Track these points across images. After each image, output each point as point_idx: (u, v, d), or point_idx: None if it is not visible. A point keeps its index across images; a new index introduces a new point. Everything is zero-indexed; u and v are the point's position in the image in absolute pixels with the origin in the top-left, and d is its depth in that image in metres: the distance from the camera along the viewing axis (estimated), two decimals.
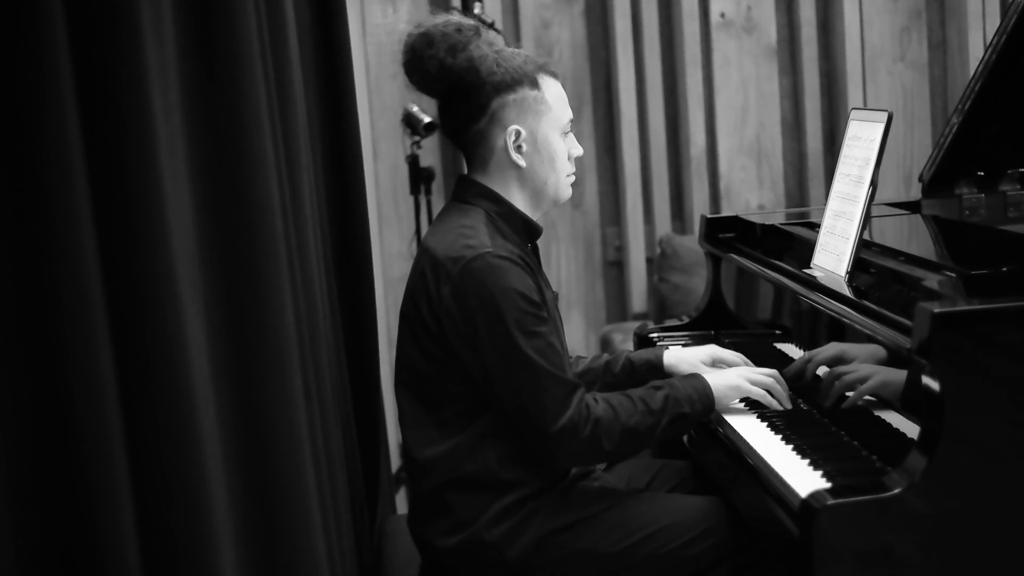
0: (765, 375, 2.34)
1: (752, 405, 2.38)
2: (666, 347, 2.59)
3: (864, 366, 2.15)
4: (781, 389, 2.33)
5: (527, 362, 2.09)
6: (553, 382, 2.10)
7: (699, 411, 2.24)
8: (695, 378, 2.29)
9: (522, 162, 2.23)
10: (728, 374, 2.34)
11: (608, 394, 2.20)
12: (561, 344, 2.20)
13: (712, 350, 2.51)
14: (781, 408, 2.31)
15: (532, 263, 2.20)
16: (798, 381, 2.38)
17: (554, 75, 2.27)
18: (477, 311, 2.10)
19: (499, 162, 2.24)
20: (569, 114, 2.28)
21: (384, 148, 4.44)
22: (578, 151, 2.30)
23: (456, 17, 2.24)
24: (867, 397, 2.14)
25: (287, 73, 1.80)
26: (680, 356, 2.50)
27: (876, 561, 1.88)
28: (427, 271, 2.17)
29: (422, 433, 2.22)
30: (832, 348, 2.30)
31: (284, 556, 1.44)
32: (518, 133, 2.21)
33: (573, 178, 2.31)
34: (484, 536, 2.16)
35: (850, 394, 2.17)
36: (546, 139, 2.24)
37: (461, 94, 2.21)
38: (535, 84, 2.22)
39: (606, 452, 2.16)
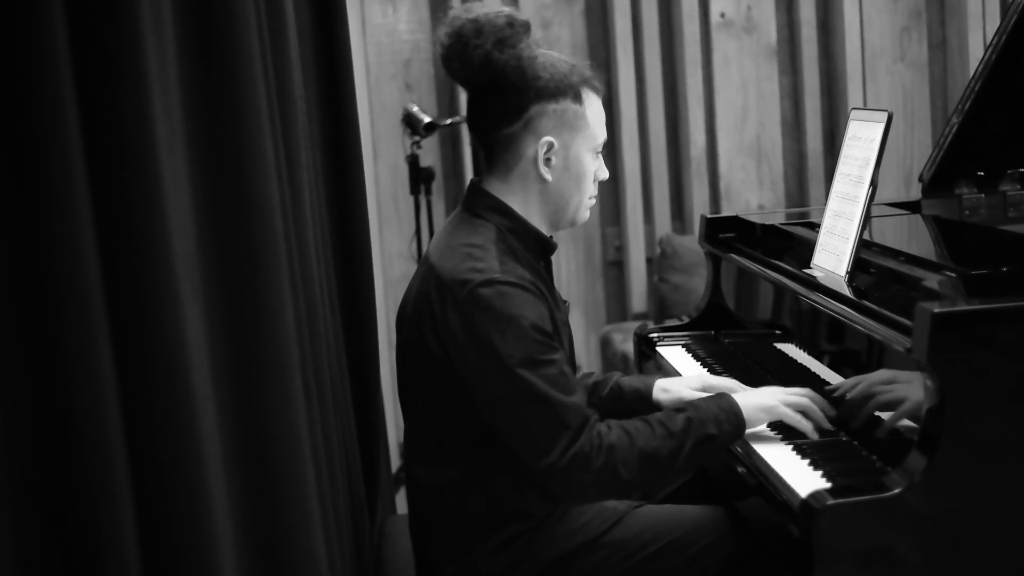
0: (801, 395, 2.21)
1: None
2: (657, 377, 2.50)
3: (899, 387, 2.06)
4: (819, 411, 2.19)
5: (535, 394, 1.99)
6: (563, 411, 1.99)
7: (728, 432, 2.10)
8: (722, 398, 2.15)
9: (549, 176, 2.12)
10: (761, 394, 2.21)
11: (624, 420, 2.08)
12: (572, 365, 2.11)
13: (703, 377, 2.42)
14: (816, 436, 2.16)
15: (542, 285, 2.09)
16: (839, 405, 2.25)
17: (598, 91, 2.16)
18: (484, 340, 2.00)
19: (523, 172, 2.13)
20: (604, 135, 2.17)
21: (384, 148, 4.44)
22: (604, 174, 2.19)
23: (508, 9, 2.13)
24: (905, 422, 2.05)
25: (287, 73, 1.80)
26: (668, 386, 2.40)
27: (876, 561, 1.88)
28: (432, 293, 2.07)
29: (426, 455, 2.16)
30: (883, 374, 2.15)
31: (284, 556, 1.44)
32: (551, 145, 2.10)
33: (594, 201, 2.20)
34: (481, 567, 2.11)
35: (884, 416, 2.10)
36: (578, 157, 2.13)
37: (500, 92, 2.10)
38: (578, 97, 2.12)
39: (624, 481, 2.02)
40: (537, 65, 2.10)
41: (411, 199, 4.17)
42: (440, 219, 4.28)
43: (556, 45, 4.48)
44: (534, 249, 2.16)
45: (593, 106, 2.15)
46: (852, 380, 2.22)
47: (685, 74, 4.51)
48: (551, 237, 2.20)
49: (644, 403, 2.39)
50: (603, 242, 4.66)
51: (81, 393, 1.09)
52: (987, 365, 1.89)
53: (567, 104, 2.11)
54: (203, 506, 1.22)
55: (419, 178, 4.08)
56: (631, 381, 2.46)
